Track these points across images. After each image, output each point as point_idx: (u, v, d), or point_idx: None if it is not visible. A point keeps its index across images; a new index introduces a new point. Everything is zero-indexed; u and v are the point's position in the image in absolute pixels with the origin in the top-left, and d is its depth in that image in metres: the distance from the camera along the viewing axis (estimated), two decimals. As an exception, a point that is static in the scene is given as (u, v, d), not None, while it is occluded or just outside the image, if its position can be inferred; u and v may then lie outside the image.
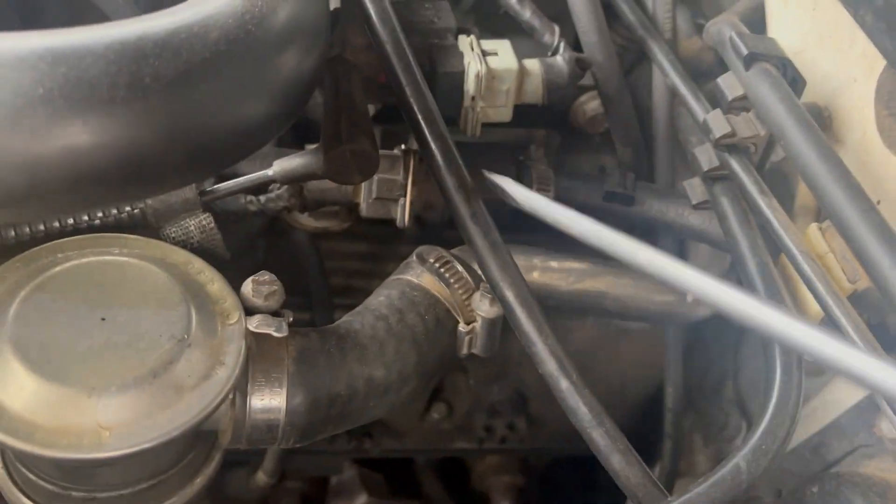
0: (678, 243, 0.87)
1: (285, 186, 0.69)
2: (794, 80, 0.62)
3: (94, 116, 0.43)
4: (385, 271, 0.96)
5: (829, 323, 0.65)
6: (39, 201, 0.45)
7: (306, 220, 0.77)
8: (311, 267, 0.89)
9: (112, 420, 0.49)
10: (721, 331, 1.06)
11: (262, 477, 1.01)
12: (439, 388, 1.03)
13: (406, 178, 0.72)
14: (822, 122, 0.67)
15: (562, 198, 0.81)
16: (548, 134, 0.90)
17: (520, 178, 0.80)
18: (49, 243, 0.57)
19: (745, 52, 0.61)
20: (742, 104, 0.64)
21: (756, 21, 0.78)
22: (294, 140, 0.81)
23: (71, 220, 0.61)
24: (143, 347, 0.52)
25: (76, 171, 0.44)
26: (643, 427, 1.15)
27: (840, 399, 0.79)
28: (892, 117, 0.61)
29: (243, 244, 0.83)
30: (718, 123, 0.65)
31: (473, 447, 1.07)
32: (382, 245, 0.95)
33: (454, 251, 0.72)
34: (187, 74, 0.45)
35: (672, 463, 1.01)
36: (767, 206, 0.63)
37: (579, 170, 0.90)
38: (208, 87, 0.46)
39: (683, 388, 1.01)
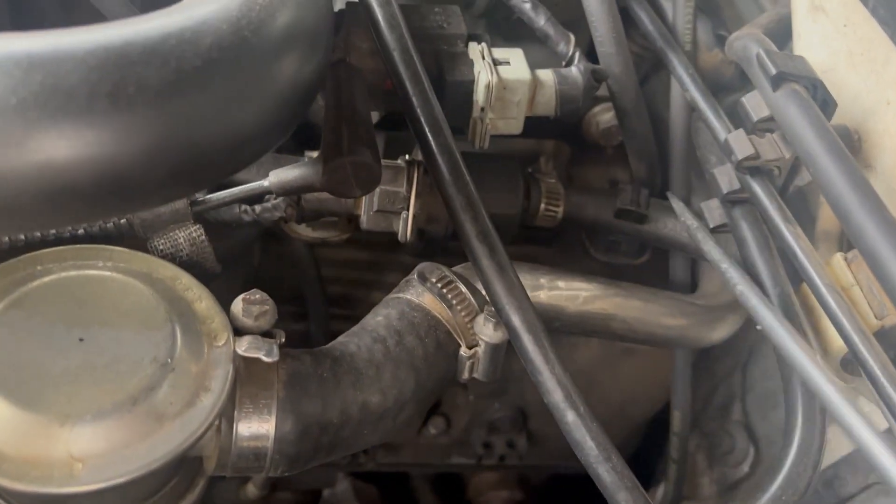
0: (690, 263, 0.83)
1: (282, 197, 0.66)
2: (824, 103, 0.58)
3: (70, 128, 0.39)
4: (384, 281, 0.93)
5: (852, 359, 0.62)
6: (12, 216, 0.41)
7: (304, 231, 0.73)
8: (307, 275, 0.86)
9: (86, 451, 0.46)
10: (730, 350, 1.03)
11: (252, 489, 0.98)
12: (437, 402, 1.00)
13: (409, 191, 0.68)
14: (851, 144, 0.63)
15: (572, 213, 0.78)
16: (558, 145, 0.86)
17: (528, 193, 0.77)
18: (27, 255, 0.54)
19: (773, 71, 0.57)
20: (767, 125, 0.61)
21: (779, 34, 0.75)
22: (293, 144, 0.78)
23: (53, 230, 0.58)
24: (122, 371, 0.48)
25: (51, 186, 0.40)
26: (645, 446, 1.12)
27: (856, 431, 0.76)
28: (928, 144, 0.57)
29: (238, 249, 0.80)
30: (741, 144, 0.61)
31: (471, 463, 1.04)
32: (382, 254, 0.91)
33: (457, 269, 0.68)
34: (176, 84, 0.42)
35: (677, 488, 0.98)
36: (791, 234, 0.60)
37: (590, 183, 0.87)
38: (199, 98, 0.43)
39: (691, 412, 0.98)
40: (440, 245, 0.78)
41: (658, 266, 0.84)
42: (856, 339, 0.56)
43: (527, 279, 0.71)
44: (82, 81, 0.39)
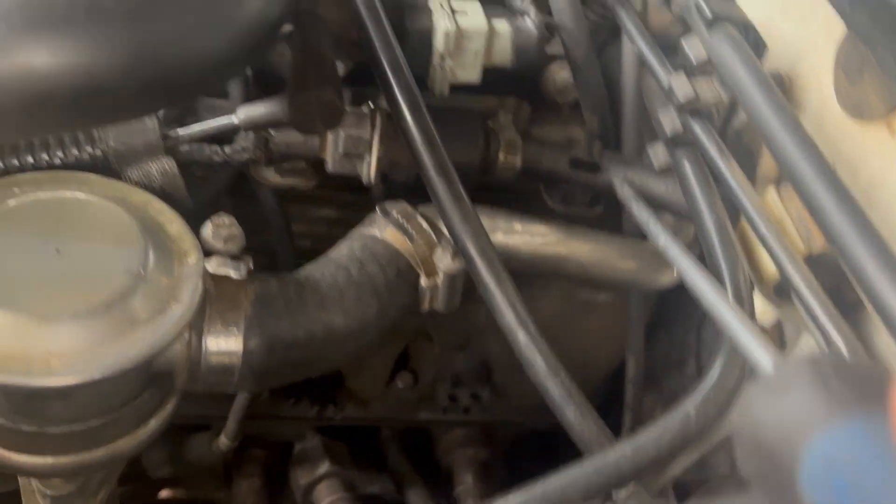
0: (643, 213, 0.87)
1: (251, 138, 0.69)
2: (755, 44, 0.63)
3: (50, 37, 0.43)
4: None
5: (784, 285, 0.66)
6: (-5, 119, 0.44)
7: (273, 177, 0.77)
8: (276, 229, 0.89)
9: (63, 348, 0.49)
10: (686, 308, 1.07)
11: (223, 440, 1.01)
12: (405, 356, 1.04)
13: (373, 135, 0.72)
14: (782, 88, 0.68)
15: (529, 164, 0.82)
16: (517, 103, 0.90)
17: (488, 143, 0.81)
18: (5, 178, 0.57)
19: (708, 14, 0.62)
20: (705, 68, 0.65)
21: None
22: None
23: (31, 159, 0.61)
24: (97, 279, 0.52)
25: (31, 92, 0.43)
26: (606, 405, 1.17)
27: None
28: (849, 81, 0.62)
29: (209, 204, 0.83)
30: (682, 87, 0.65)
31: (437, 417, 1.07)
32: (351, 211, 0.95)
33: (419, 207, 0.72)
34: (149, 2, 0.45)
35: (632, 433, 1.02)
36: (727, 168, 0.64)
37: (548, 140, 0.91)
38: (170, 14, 0.46)
39: (645, 362, 1.02)
40: (404, 199, 0.81)
41: (612, 217, 0.89)
42: (787, 264, 0.61)
43: (485, 221, 0.74)
44: (61, -8, 0.42)
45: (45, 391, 0.48)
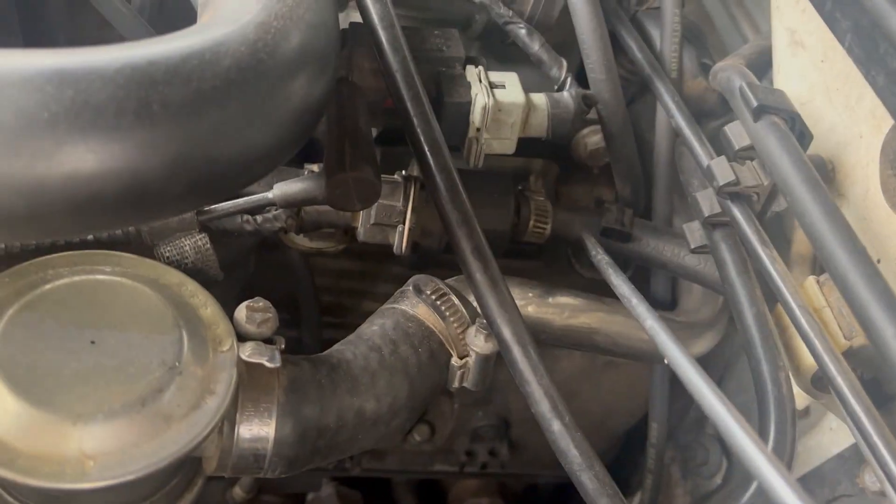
0: (670, 280, 0.86)
1: (283, 208, 0.68)
2: (801, 135, 0.62)
3: (98, 142, 0.42)
4: (377, 291, 0.95)
5: (822, 377, 0.65)
6: (38, 224, 0.43)
7: (301, 241, 0.76)
8: (301, 284, 0.88)
9: (97, 449, 0.48)
10: (706, 365, 1.06)
11: (238, 492, 1.00)
12: (423, 410, 1.03)
13: (406, 206, 0.71)
14: (825, 174, 0.67)
15: (559, 230, 0.81)
16: (547, 163, 0.89)
17: (518, 210, 0.80)
18: (39, 259, 0.56)
19: (754, 104, 0.61)
20: (747, 153, 0.64)
21: (761, 64, 0.79)
22: (294, 157, 0.80)
23: (64, 234, 0.60)
24: (132, 374, 0.50)
25: (77, 197, 0.42)
26: (623, 455, 1.16)
27: (825, 445, 0.79)
28: (897, 177, 0.61)
29: (236, 257, 0.82)
30: (723, 171, 0.65)
31: (454, 470, 1.06)
32: (375, 264, 0.94)
33: (450, 282, 0.71)
34: (196, 103, 0.44)
35: (652, 498, 1.01)
36: (768, 258, 0.63)
37: (576, 200, 0.90)
38: (216, 116, 0.45)
39: (667, 425, 1.01)
40: (433, 257, 0.80)
41: (640, 283, 0.87)
42: (826, 358, 0.59)
43: (516, 293, 0.73)
44: (111, 98, 0.41)
45: (79, 494, 0.47)
